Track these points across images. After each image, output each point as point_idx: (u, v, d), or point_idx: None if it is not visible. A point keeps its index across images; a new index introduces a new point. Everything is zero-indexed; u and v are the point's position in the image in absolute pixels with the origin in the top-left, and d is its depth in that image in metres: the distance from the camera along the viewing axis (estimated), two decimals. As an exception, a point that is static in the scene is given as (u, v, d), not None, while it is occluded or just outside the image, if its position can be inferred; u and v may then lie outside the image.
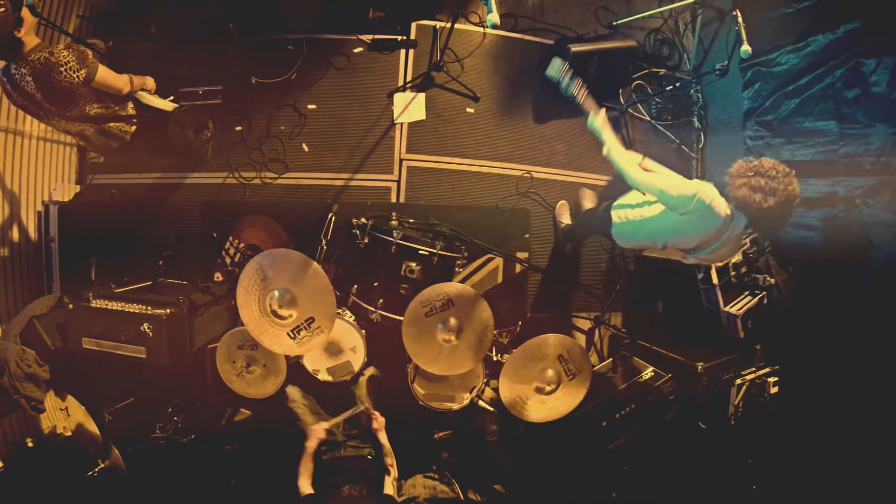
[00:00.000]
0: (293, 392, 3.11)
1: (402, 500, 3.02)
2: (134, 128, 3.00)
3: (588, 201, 4.07)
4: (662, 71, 4.47)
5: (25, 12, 2.36)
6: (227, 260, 3.90)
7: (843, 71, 3.19)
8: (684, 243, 2.64)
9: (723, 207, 2.40)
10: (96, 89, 2.67)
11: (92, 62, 2.54)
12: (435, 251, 3.11)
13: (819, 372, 3.17)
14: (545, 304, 4.24)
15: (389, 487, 2.68)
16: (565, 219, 4.08)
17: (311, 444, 2.70)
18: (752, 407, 3.25)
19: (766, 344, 3.40)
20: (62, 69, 2.43)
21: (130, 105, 2.97)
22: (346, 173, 4.02)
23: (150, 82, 3.03)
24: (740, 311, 3.32)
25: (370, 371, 3.31)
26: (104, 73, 2.62)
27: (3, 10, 2.25)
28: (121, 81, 2.75)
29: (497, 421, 3.44)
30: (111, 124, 2.88)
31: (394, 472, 2.78)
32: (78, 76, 2.49)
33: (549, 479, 3.36)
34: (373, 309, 3.18)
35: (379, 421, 2.91)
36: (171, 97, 3.21)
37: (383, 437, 2.93)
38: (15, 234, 3.49)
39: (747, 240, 3.48)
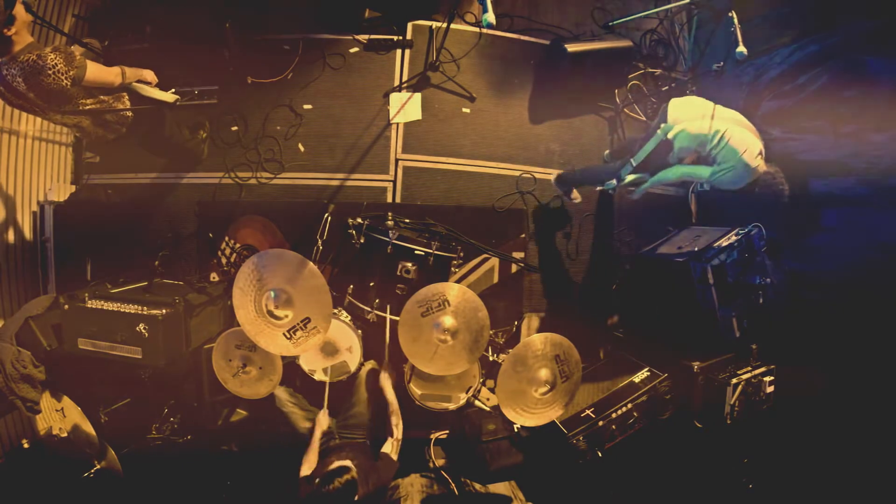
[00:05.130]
0: (280, 393, 3.11)
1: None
2: (130, 119, 3.00)
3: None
4: (658, 71, 4.48)
5: (18, 10, 2.35)
6: (223, 260, 3.89)
7: (841, 70, 3.20)
8: None
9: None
10: (86, 87, 2.67)
11: (80, 63, 2.54)
12: (431, 251, 3.11)
13: (815, 371, 3.18)
14: (541, 304, 4.25)
15: (388, 447, 2.68)
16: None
17: (317, 434, 2.71)
18: (747, 406, 3.26)
19: (762, 343, 3.41)
20: (50, 72, 2.44)
21: (126, 97, 2.96)
22: (342, 173, 4.02)
23: (148, 75, 3.02)
24: (736, 311, 3.32)
25: (369, 365, 3.31)
26: (94, 71, 2.62)
27: None
28: (111, 75, 2.75)
29: (493, 420, 3.45)
30: (107, 116, 2.89)
31: (398, 433, 2.78)
32: (66, 78, 2.49)
33: (548, 478, 3.36)
34: (369, 309, 3.18)
35: (387, 375, 2.91)
36: (173, 90, 3.19)
37: (390, 394, 2.93)
38: (10, 235, 3.48)
39: (743, 240, 3.48)
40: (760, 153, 2.90)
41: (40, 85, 2.46)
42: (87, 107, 2.74)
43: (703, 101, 3.09)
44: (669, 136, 3.05)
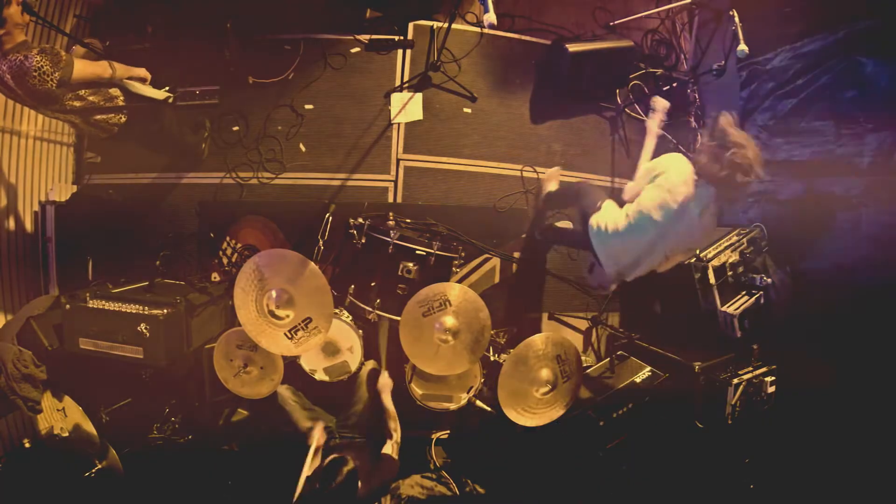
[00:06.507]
0: (283, 391, 3.12)
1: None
2: (123, 119, 2.99)
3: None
4: (659, 71, 4.47)
5: (10, 11, 2.37)
6: (225, 260, 3.89)
7: (841, 71, 3.20)
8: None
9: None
10: (75, 85, 2.67)
11: (66, 63, 2.54)
12: (432, 251, 3.11)
13: (816, 371, 3.17)
14: (543, 304, 4.25)
15: (388, 448, 2.69)
16: (552, 185, 3.96)
17: (312, 449, 2.71)
18: (749, 406, 3.26)
19: (763, 344, 3.41)
20: (35, 74, 2.45)
21: (120, 98, 2.96)
22: (343, 173, 4.02)
23: (140, 72, 3.01)
24: (737, 311, 3.32)
25: (370, 364, 3.31)
26: (81, 69, 2.62)
27: None
28: (99, 68, 2.75)
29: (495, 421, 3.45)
30: (97, 116, 2.89)
31: (396, 436, 2.80)
32: (51, 80, 2.50)
33: (548, 478, 3.36)
34: (370, 309, 3.18)
35: (384, 381, 2.92)
36: (167, 87, 3.19)
37: (388, 400, 2.95)
38: (12, 235, 3.48)
39: (744, 240, 3.49)
40: (685, 199, 2.61)
41: (26, 85, 2.48)
42: (76, 106, 2.74)
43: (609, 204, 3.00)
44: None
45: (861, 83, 3.10)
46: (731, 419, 3.21)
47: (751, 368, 3.30)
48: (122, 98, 2.96)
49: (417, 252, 3.11)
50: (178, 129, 3.51)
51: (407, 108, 4.05)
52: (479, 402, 3.35)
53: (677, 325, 3.86)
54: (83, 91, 2.73)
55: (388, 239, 3.11)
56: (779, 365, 3.34)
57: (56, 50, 2.54)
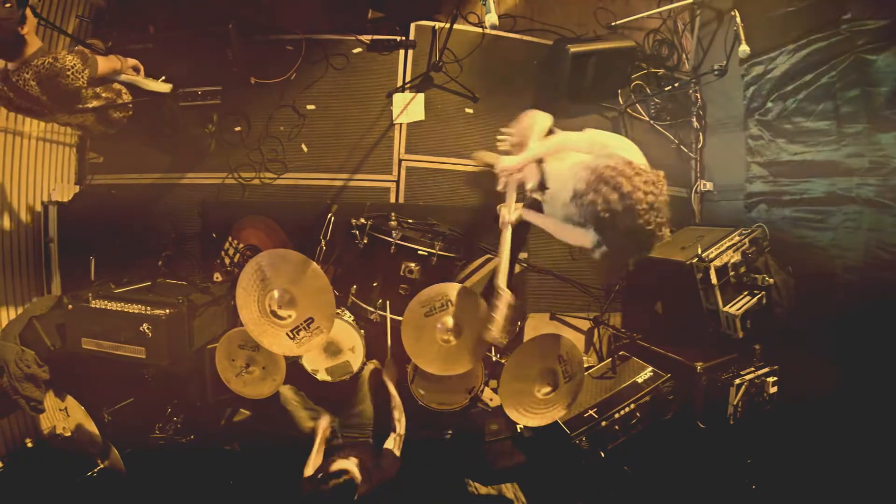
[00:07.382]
0: (285, 391, 3.12)
1: None
2: (130, 114, 3.01)
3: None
4: (661, 71, 4.47)
5: (29, 10, 2.37)
6: (227, 260, 3.89)
7: (844, 70, 3.19)
8: None
9: None
10: (96, 81, 2.69)
11: (92, 60, 2.57)
12: (434, 251, 3.11)
13: (818, 372, 3.17)
14: (544, 304, 4.25)
15: (391, 442, 2.70)
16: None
17: (319, 438, 2.72)
18: (750, 407, 3.25)
19: (765, 344, 3.40)
20: (69, 73, 2.45)
21: (125, 91, 2.96)
22: (345, 173, 4.03)
23: (130, 63, 3.00)
24: (739, 311, 3.31)
25: (372, 364, 3.31)
26: (103, 65, 2.67)
27: (8, 6, 2.25)
28: (112, 62, 2.78)
29: (497, 421, 3.45)
30: (111, 112, 2.90)
31: (400, 427, 2.80)
32: (83, 77, 2.51)
33: (549, 479, 3.36)
34: (372, 309, 3.18)
35: (390, 370, 2.93)
36: (163, 77, 3.18)
37: (392, 388, 2.95)
38: (14, 235, 3.48)
39: (746, 240, 3.48)
40: None
41: (57, 87, 2.47)
42: (93, 104, 2.75)
43: None
44: None
45: (864, 82, 3.09)
46: (733, 419, 3.20)
47: (753, 369, 3.29)
48: (125, 91, 2.97)
49: (419, 252, 3.11)
50: (182, 118, 3.52)
51: (409, 108, 4.05)
52: (480, 403, 3.35)
53: (679, 326, 3.86)
54: (99, 88, 2.75)
55: (391, 239, 3.11)
56: (781, 365, 3.33)
57: (81, 48, 2.58)
